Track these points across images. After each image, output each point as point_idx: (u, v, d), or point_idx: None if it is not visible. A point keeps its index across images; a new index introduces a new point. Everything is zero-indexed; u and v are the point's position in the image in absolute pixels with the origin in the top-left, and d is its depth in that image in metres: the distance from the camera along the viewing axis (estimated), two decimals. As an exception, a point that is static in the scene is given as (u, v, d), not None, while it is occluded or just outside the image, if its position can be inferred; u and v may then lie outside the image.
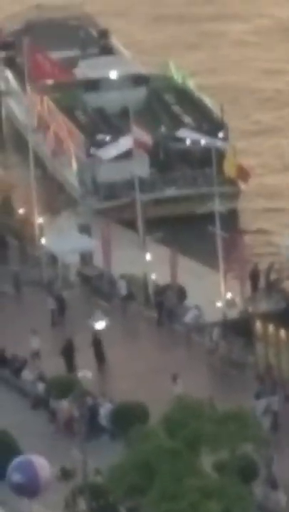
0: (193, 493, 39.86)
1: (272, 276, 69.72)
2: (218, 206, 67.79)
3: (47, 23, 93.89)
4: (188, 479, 39.97)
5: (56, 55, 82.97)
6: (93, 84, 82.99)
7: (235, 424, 43.92)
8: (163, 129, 77.73)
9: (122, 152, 75.10)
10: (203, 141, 76.51)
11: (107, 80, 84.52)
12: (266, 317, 63.25)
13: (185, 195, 75.77)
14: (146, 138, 73.42)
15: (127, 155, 74.17)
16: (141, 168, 73.28)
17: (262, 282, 68.45)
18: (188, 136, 77.52)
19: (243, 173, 72.61)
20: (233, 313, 65.98)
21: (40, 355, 61.06)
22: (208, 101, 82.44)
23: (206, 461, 42.35)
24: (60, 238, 72.22)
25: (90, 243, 70.38)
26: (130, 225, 72.62)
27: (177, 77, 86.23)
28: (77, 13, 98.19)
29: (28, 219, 73.94)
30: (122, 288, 66.69)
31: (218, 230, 66.19)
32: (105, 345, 60.96)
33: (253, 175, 77.06)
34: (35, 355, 60.31)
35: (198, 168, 76.04)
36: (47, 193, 77.68)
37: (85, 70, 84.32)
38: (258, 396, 54.49)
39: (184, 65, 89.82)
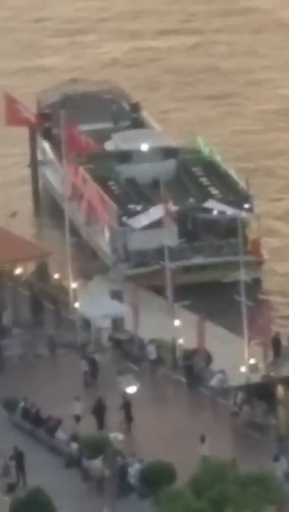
0: None
1: None
2: (243, 275, 68.05)
3: (81, 96, 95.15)
4: (213, 539, 41.80)
5: (90, 127, 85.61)
6: (125, 156, 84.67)
7: (258, 487, 44.30)
8: (191, 200, 78.93)
9: (152, 221, 76.01)
10: (229, 212, 77.50)
11: (139, 152, 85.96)
12: (288, 382, 64.00)
13: (212, 264, 76.78)
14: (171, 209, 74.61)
15: (157, 224, 75.18)
16: (170, 237, 74.17)
17: (284, 348, 68.19)
18: (215, 207, 78.76)
19: (257, 248, 75.96)
20: (256, 378, 65.81)
21: (81, 419, 60.82)
22: (234, 173, 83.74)
23: (231, 522, 43.63)
24: (92, 303, 73.01)
25: (121, 308, 70.85)
26: (159, 291, 73.36)
27: (205, 150, 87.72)
28: (109, 86, 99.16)
29: (63, 284, 75.22)
30: (152, 352, 67.05)
31: (243, 298, 66.24)
32: (134, 407, 61.21)
33: (278, 238, 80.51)
34: (77, 419, 60.41)
35: (225, 237, 77.31)
36: (81, 260, 79.15)
37: (117, 143, 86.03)
38: (276, 458, 54.68)
39: (211, 138, 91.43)
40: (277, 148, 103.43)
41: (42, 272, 76.56)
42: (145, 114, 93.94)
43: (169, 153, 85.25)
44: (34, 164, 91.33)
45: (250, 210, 78.96)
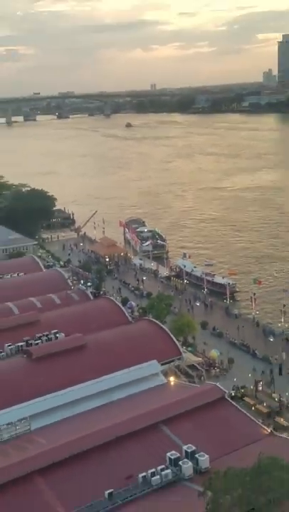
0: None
1: (173, 268, 61.53)
2: (164, 255, 66.90)
3: (134, 219, 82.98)
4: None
5: (135, 227, 78.72)
6: (143, 231, 76.55)
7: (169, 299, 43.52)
8: (153, 240, 72.67)
9: (147, 244, 70.60)
10: (161, 243, 72.25)
11: (144, 231, 76.54)
12: (174, 276, 58.79)
13: (158, 253, 69.14)
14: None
15: (148, 244, 70.15)
16: (149, 247, 68.74)
17: (172, 270, 61.10)
18: (159, 241, 72.65)
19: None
20: (166, 275, 59.79)
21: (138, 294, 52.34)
22: (163, 234, 75.59)
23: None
24: (135, 260, 67.14)
25: (141, 261, 65.31)
26: (149, 258, 66.76)
27: (156, 229, 77.07)
28: (138, 217, 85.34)
29: (130, 257, 69.46)
30: (148, 271, 62.26)
31: (164, 259, 64.58)
32: (148, 287, 53.92)
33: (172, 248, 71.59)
34: (136, 295, 51.96)
35: (161, 248, 70.95)
36: (132, 252, 73.55)
37: (140, 229, 78.09)
38: (176, 293, 51.15)
39: (157, 226, 79.54)
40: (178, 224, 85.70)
41: (126, 254, 69.60)
42: (146, 223, 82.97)
43: (151, 232, 76.30)
44: (124, 234, 79.75)
45: (165, 242, 72.85)
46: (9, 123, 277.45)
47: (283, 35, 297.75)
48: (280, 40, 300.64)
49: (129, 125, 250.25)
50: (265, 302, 47.17)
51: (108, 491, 16.78)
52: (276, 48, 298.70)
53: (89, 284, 49.78)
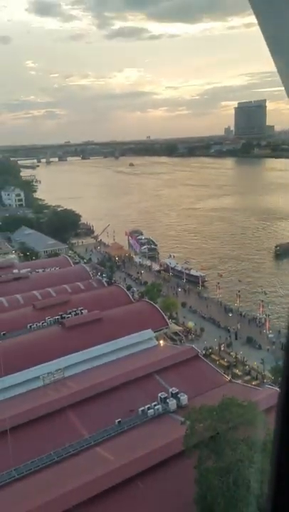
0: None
1: (162, 264, 57.42)
2: (154, 254, 64.46)
3: (135, 230, 75.60)
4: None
5: (136, 236, 73.78)
6: (142, 239, 71.54)
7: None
8: (148, 245, 68.87)
9: (144, 248, 67.08)
10: (154, 247, 68.30)
11: (142, 238, 67.89)
12: (163, 270, 54.73)
13: (152, 253, 65.11)
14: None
15: (144, 248, 67.18)
16: (146, 250, 66.28)
17: (161, 266, 56.62)
18: (152, 246, 68.32)
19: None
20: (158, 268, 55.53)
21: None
22: (154, 240, 70.63)
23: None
24: (137, 259, 64.23)
25: (139, 259, 63.10)
26: (146, 257, 63.40)
27: (149, 237, 69.42)
28: (138, 228, 74.04)
29: (132, 256, 65.89)
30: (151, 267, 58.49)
31: (156, 258, 62.64)
32: (145, 278, 50.94)
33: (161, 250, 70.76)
34: (136, 283, 48.29)
35: (153, 250, 67.08)
36: (134, 253, 69.06)
37: (140, 237, 68.46)
38: (164, 282, 47.95)
39: (152, 235, 75.04)
40: (166, 236, 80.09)
41: (129, 255, 66.05)
42: (143, 233, 75.11)
43: (147, 239, 71.28)
44: (128, 240, 67.26)
45: (156, 246, 68.90)
46: (48, 162, 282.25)
47: (238, 103, 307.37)
48: (236, 106, 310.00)
49: (131, 164, 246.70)
50: (225, 289, 47.03)
51: (118, 420, 17.65)
52: (233, 111, 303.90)
53: (104, 275, 48.68)
